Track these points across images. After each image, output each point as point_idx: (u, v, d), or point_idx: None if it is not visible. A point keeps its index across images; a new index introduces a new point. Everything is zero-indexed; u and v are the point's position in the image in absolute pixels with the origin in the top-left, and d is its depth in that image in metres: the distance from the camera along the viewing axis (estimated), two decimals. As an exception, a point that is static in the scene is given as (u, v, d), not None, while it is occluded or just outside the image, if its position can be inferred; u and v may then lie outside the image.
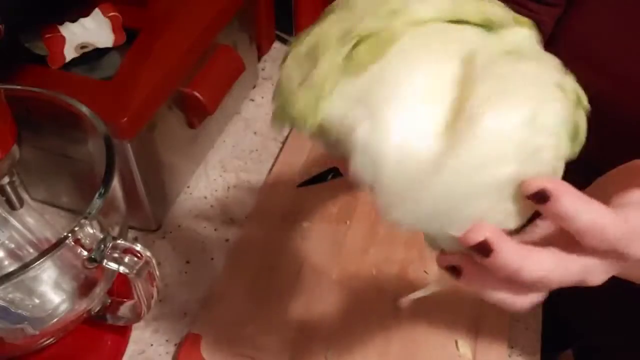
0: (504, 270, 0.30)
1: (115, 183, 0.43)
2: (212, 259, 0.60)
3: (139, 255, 0.41)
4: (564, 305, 0.61)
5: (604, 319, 0.64)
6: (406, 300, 0.54)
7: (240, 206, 0.65)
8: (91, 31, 0.58)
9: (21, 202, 0.49)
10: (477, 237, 0.29)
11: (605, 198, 0.31)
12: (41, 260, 0.38)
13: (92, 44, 0.57)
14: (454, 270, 0.33)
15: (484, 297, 0.32)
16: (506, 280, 0.30)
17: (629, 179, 0.35)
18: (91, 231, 0.40)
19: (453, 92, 0.29)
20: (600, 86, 0.50)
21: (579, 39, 0.52)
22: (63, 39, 0.56)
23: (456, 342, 0.53)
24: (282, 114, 0.33)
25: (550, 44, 0.55)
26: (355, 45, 0.30)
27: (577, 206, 0.29)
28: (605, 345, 0.67)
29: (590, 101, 0.51)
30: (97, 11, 0.58)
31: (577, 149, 0.32)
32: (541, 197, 0.29)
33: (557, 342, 0.65)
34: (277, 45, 0.85)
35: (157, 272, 0.43)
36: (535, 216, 0.34)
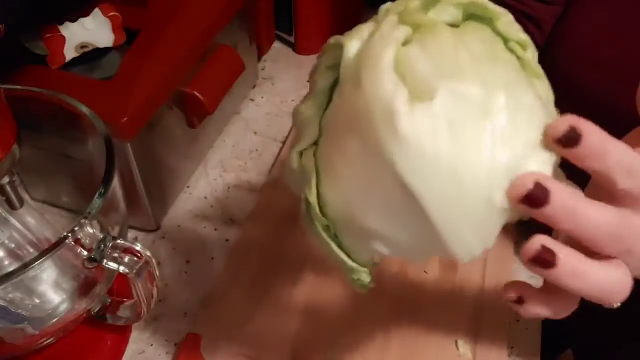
0: (567, 212, 0.27)
1: (115, 183, 0.43)
2: (212, 259, 0.60)
3: (139, 255, 0.41)
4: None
5: (604, 319, 0.64)
6: None
7: (240, 206, 0.65)
8: (91, 31, 0.58)
9: (21, 202, 0.49)
10: (528, 184, 0.27)
11: None
12: (41, 260, 0.38)
13: (92, 44, 0.57)
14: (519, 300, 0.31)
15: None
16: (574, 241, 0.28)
17: None
18: (91, 231, 0.40)
19: None
20: (601, 85, 0.50)
21: (580, 37, 0.52)
22: (63, 39, 0.56)
23: (456, 342, 0.53)
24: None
25: (550, 42, 0.55)
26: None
27: (605, 139, 0.28)
28: (605, 346, 0.67)
29: (590, 100, 0.50)
30: (97, 11, 0.58)
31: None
32: (572, 138, 0.27)
33: (557, 342, 0.65)
34: (277, 45, 0.85)
35: (157, 272, 0.43)
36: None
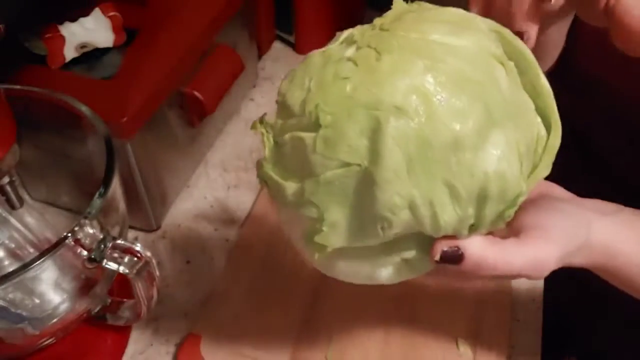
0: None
1: (115, 183, 0.43)
2: (212, 258, 0.60)
3: (139, 255, 0.41)
4: (564, 306, 0.61)
5: (606, 324, 0.64)
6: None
7: (240, 206, 0.65)
8: (91, 31, 0.58)
9: (21, 201, 0.49)
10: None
11: None
12: (41, 260, 0.38)
13: (92, 44, 0.57)
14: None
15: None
16: None
17: None
18: (91, 231, 0.40)
19: None
20: (619, 84, 0.49)
21: (595, 34, 0.50)
22: (63, 38, 0.56)
23: (456, 342, 0.53)
24: None
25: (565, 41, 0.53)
26: None
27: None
28: (607, 352, 0.67)
29: (609, 101, 0.49)
30: (97, 11, 0.58)
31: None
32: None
33: (561, 347, 0.65)
34: (277, 45, 0.85)
35: (157, 272, 0.43)
36: None
